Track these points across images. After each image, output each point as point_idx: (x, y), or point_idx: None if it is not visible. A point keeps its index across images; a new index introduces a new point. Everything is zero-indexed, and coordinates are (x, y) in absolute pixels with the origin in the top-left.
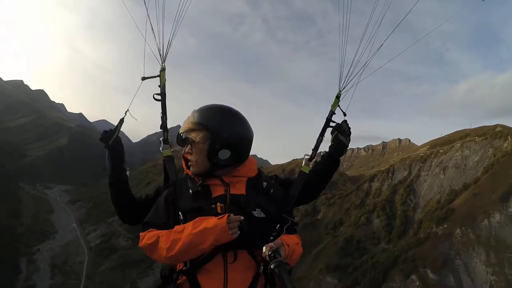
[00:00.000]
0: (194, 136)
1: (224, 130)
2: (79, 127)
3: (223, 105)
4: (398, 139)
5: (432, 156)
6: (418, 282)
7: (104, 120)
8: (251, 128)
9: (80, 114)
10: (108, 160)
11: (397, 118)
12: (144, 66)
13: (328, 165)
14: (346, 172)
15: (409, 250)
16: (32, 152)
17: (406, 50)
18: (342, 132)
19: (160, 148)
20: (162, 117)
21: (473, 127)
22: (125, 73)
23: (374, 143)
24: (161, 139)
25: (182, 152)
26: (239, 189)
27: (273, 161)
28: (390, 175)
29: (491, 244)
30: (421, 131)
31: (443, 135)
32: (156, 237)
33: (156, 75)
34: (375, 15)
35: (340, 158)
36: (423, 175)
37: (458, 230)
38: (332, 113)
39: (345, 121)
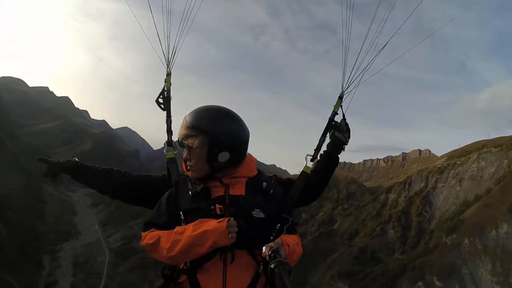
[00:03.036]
0: (191, 142)
1: (221, 132)
2: (102, 133)
3: (215, 106)
4: (418, 150)
5: (449, 167)
6: None
7: (126, 127)
8: (246, 127)
9: (103, 121)
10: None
11: (418, 128)
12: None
13: (326, 163)
14: (365, 183)
15: (418, 259)
16: (57, 156)
17: (427, 60)
18: (339, 129)
19: (164, 151)
20: (166, 120)
21: (491, 137)
22: (147, 81)
23: (394, 154)
24: (165, 141)
25: (183, 157)
26: (238, 189)
27: (292, 171)
28: (407, 186)
29: (498, 254)
30: (443, 142)
31: (461, 146)
32: (157, 237)
33: (163, 87)
34: (381, 18)
35: (339, 155)
36: (439, 187)
37: (467, 240)
38: (334, 113)
39: (343, 119)
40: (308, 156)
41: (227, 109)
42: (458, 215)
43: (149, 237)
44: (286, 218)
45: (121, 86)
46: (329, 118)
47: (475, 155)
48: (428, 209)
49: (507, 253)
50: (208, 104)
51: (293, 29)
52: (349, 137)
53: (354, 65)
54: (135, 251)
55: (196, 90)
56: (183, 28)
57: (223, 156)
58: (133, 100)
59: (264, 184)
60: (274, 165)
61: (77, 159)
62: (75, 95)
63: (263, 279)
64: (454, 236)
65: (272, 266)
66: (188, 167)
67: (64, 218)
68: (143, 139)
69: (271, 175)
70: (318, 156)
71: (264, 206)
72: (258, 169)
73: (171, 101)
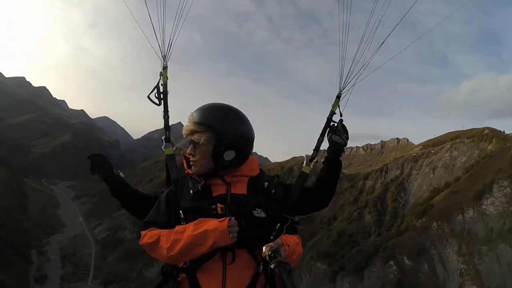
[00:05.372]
0: (197, 137)
1: (228, 130)
2: (81, 123)
3: (223, 104)
4: (397, 138)
5: (424, 156)
6: (395, 267)
7: (105, 117)
8: (252, 128)
9: (82, 110)
10: (99, 172)
11: (400, 118)
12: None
13: (329, 168)
14: (344, 171)
15: (390, 240)
16: (36, 149)
17: (411, 51)
18: (336, 132)
19: (162, 147)
20: (164, 116)
21: (464, 129)
22: (127, 70)
23: (374, 142)
24: (163, 137)
25: (187, 153)
26: (240, 188)
27: (273, 159)
28: (384, 173)
29: (464, 237)
30: (422, 131)
31: (436, 136)
32: (157, 236)
33: (157, 82)
34: (378, 13)
35: (340, 158)
36: (414, 174)
37: (435, 224)
38: (332, 113)
39: (340, 121)
40: (307, 156)
41: (235, 108)
42: (429, 201)
43: (148, 236)
44: (286, 218)
45: (100, 74)
46: (327, 118)
47: (449, 145)
48: (403, 195)
49: (472, 236)
50: (216, 102)
51: (277, 17)
52: (347, 138)
53: (351, 66)
54: (121, 241)
55: (177, 79)
56: (180, 16)
57: (229, 155)
58: (111, 89)
59: (266, 183)
60: (255, 153)
61: (122, 174)
62: (52, 85)
63: (263, 279)
64: (424, 219)
65: (272, 266)
66: (192, 162)
67: (47, 212)
68: (123, 128)
69: (273, 175)
70: (318, 158)
71: (266, 206)
72: (260, 169)
73: (167, 95)
